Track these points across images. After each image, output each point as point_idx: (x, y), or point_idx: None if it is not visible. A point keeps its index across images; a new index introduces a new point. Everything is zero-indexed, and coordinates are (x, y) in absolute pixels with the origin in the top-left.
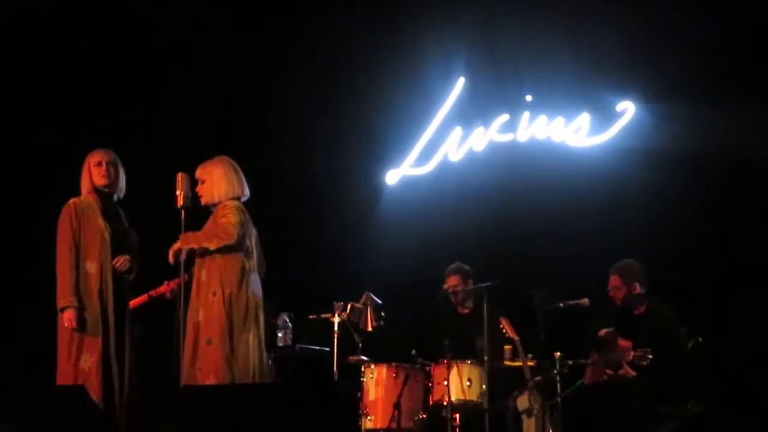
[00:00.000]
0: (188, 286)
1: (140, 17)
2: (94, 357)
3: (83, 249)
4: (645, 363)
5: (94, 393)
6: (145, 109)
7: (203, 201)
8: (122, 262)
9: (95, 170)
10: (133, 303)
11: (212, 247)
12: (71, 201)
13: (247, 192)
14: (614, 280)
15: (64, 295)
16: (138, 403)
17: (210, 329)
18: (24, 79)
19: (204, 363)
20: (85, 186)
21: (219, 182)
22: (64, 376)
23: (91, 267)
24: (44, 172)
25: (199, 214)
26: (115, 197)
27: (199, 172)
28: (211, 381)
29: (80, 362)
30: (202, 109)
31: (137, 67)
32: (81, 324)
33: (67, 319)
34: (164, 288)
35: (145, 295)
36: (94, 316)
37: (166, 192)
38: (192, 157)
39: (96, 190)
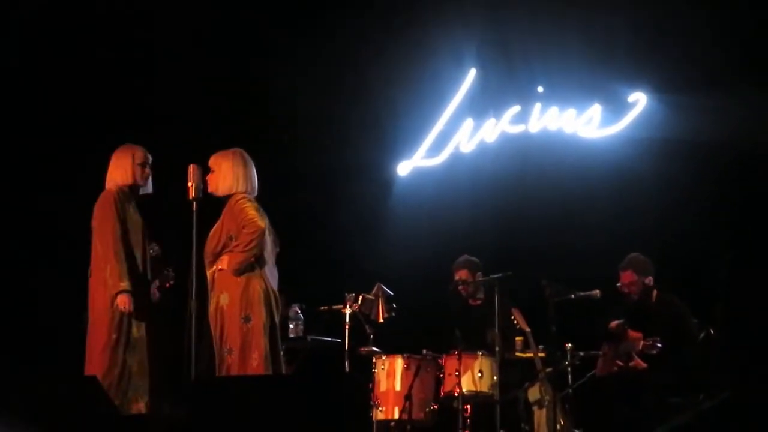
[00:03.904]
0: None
1: (149, 7)
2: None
3: (130, 237)
4: (655, 352)
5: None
6: (158, 102)
7: (209, 189)
8: (156, 249)
9: (139, 169)
10: None
11: (253, 248)
12: (113, 190)
13: (254, 188)
14: (629, 276)
15: (121, 279)
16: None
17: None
18: (32, 70)
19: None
20: (121, 178)
21: (226, 176)
22: (103, 363)
23: (137, 255)
24: (59, 164)
25: (211, 206)
26: (144, 193)
27: (211, 161)
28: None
29: (127, 353)
30: (213, 102)
31: (148, 58)
32: (135, 308)
33: (123, 302)
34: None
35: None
36: (139, 305)
37: (178, 184)
38: (204, 149)
39: (131, 186)
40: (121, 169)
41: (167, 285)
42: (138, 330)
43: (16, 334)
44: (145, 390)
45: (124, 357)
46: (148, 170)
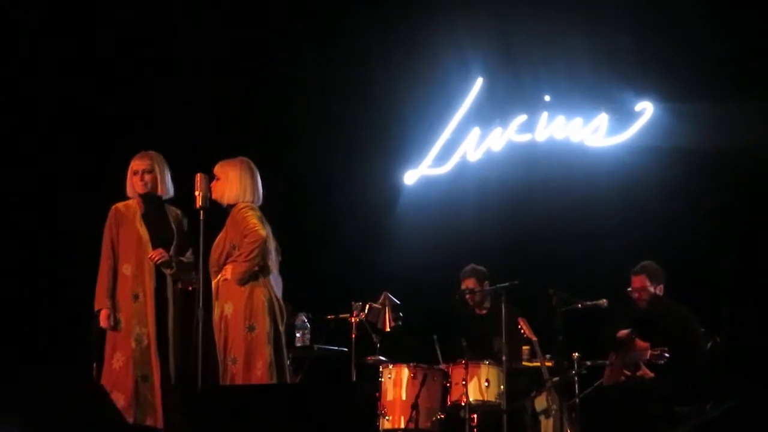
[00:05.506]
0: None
1: (159, 14)
2: (124, 356)
3: (120, 252)
4: (662, 362)
5: (125, 392)
6: (165, 110)
7: (213, 196)
8: (155, 255)
9: (134, 179)
10: None
11: (255, 257)
12: (114, 207)
13: (259, 197)
14: (641, 281)
15: (98, 298)
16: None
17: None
18: (47, 80)
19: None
20: (129, 191)
21: (232, 184)
22: (104, 375)
23: (127, 269)
24: (65, 174)
25: (218, 215)
26: (164, 198)
27: (216, 169)
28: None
29: (113, 361)
30: (222, 110)
31: (159, 66)
32: (115, 324)
33: (102, 319)
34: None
35: None
36: (127, 317)
37: (185, 192)
38: (211, 157)
39: (141, 196)
40: (127, 183)
41: (189, 288)
42: (138, 342)
43: (26, 342)
44: (152, 400)
45: (110, 371)
46: (139, 177)
